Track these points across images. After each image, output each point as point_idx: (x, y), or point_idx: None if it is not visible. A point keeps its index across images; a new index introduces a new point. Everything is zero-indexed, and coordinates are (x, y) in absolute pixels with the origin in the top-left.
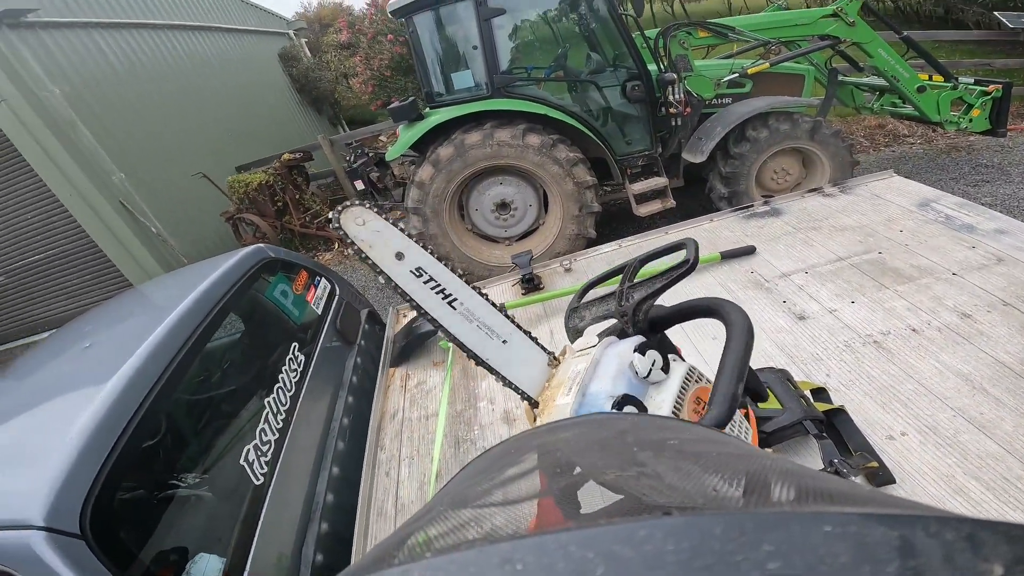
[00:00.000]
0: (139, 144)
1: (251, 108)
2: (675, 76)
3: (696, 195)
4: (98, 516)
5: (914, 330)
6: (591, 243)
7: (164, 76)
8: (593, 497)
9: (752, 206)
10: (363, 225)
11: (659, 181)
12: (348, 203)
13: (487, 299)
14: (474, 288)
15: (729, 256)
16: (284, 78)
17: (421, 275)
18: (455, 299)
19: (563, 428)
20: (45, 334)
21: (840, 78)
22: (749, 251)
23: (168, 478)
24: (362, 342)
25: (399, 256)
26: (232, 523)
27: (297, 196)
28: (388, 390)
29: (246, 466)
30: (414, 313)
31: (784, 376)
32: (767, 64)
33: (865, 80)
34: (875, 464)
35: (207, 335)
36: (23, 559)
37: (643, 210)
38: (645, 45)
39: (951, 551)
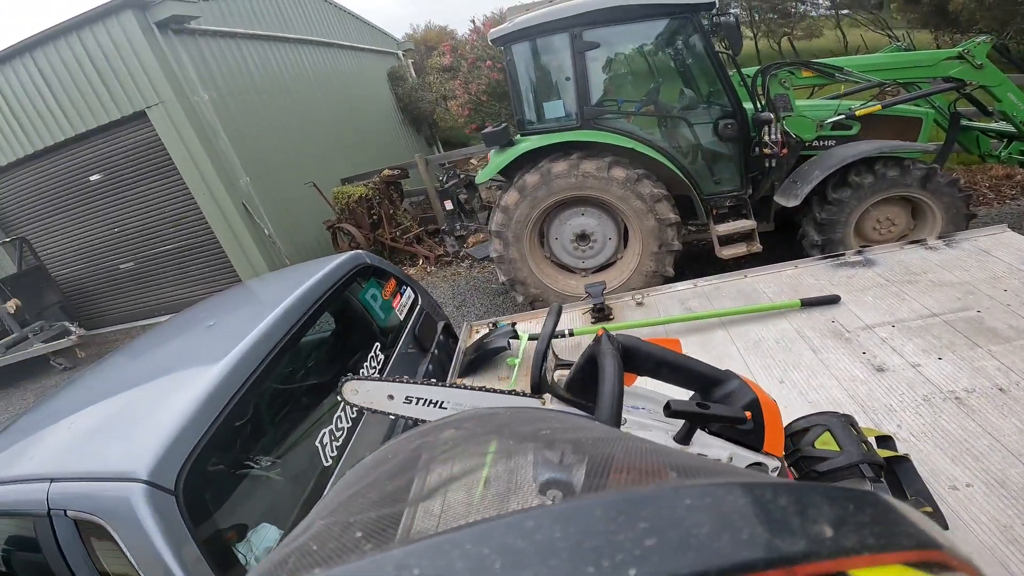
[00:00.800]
0: (264, 151)
1: (360, 122)
2: (772, 116)
3: (787, 242)
4: (191, 478)
5: (1001, 390)
6: (667, 281)
7: (292, 87)
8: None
9: (844, 255)
10: (357, 392)
11: (746, 224)
12: (344, 378)
13: (469, 387)
14: (457, 384)
15: (810, 304)
16: (390, 96)
17: (411, 401)
18: (444, 402)
19: (445, 427)
20: (164, 317)
21: (964, 123)
22: (832, 300)
23: (252, 452)
24: (435, 351)
25: (390, 396)
26: (297, 499)
27: (391, 211)
28: None
29: (319, 447)
30: (487, 329)
31: (847, 421)
32: (878, 106)
33: (993, 126)
34: (929, 509)
35: (305, 327)
36: (118, 509)
37: (726, 252)
38: (742, 83)
39: (787, 515)
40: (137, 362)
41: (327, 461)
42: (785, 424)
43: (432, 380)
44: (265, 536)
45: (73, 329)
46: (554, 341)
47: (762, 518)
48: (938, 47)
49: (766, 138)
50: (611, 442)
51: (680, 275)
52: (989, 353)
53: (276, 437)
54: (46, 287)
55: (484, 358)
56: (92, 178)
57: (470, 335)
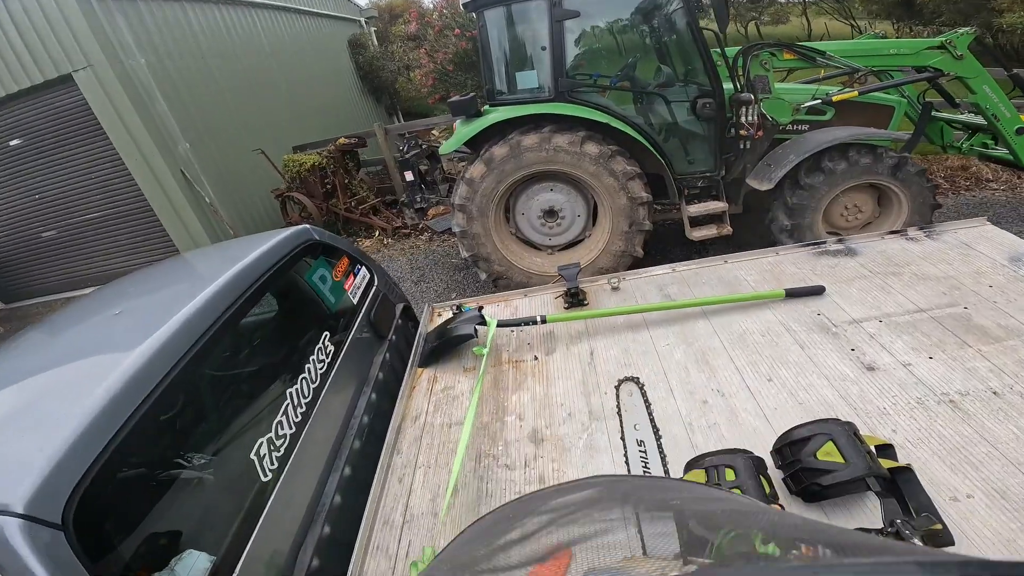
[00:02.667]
0: (207, 116)
1: (315, 90)
2: (751, 97)
3: (754, 225)
4: (85, 507)
5: (995, 393)
6: (637, 262)
7: (240, 53)
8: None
9: (825, 243)
10: None
11: (718, 205)
12: None
13: None
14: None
15: (795, 294)
16: (350, 64)
17: None
18: None
19: (569, 491)
20: (88, 289)
21: (932, 113)
22: (817, 291)
23: (171, 469)
24: (394, 337)
25: None
26: (231, 520)
27: (346, 180)
28: (413, 391)
29: (256, 460)
30: (450, 313)
31: (850, 429)
32: (855, 92)
33: (960, 117)
34: (939, 527)
35: (237, 317)
36: None
37: (696, 234)
38: (723, 62)
39: None
40: (22, 360)
41: (266, 475)
42: (784, 430)
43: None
44: (193, 565)
45: None
46: (526, 329)
47: None
48: (898, 38)
49: (743, 119)
50: (753, 515)
51: (648, 255)
52: (980, 353)
53: (207, 443)
54: None
55: (448, 346)
56: (12, 143)
57: (431, 319)
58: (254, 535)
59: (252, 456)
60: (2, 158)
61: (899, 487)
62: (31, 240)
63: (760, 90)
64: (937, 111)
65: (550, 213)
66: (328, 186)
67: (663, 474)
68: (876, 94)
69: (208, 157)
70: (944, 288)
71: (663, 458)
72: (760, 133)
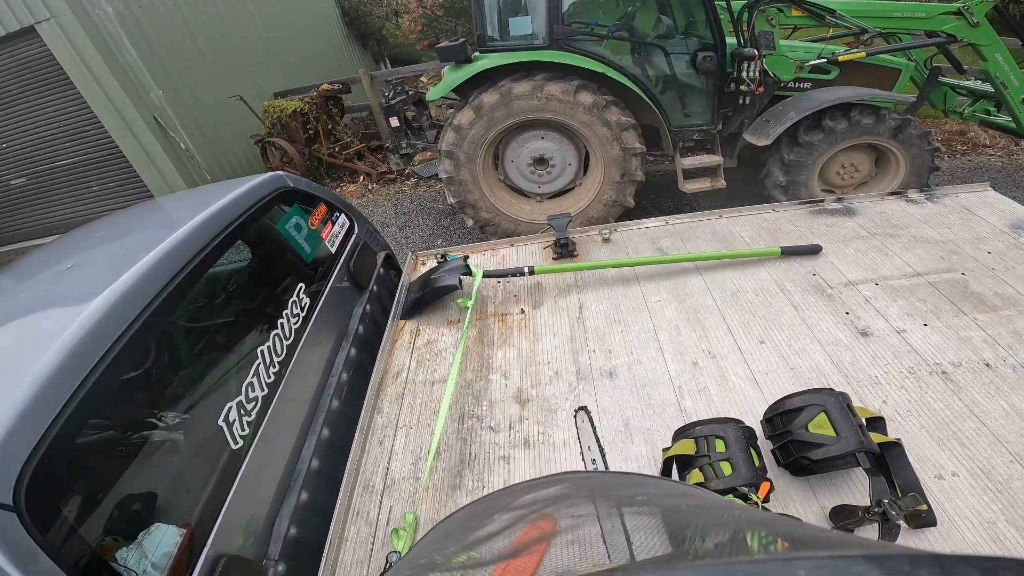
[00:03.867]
0: (182, 63)
1: (297, 36)
2: (755, 52)
3: (747, 180)
4: (39, 484)
5: (988, 365)
6: (627, 213)
7: None
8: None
9: (823, 201)
10: None
11: (713, 159)
12: None
13: None
14: None
15: (791, 253)
16: (334, 9)
17: None
18: None
19: (539, 487)
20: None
21: (940, 78)
22: (814, 251)
23: (132, 438)
24: (375, 288)
25: None
26: (200, 491)
27: (330, 126)
28: (395, 346)
29: (225, 427)
30: (434, 262)
31: (843, 401)
32: (862, 53)
33: (966, 83)
34: (924, 507)
35: (202, 269)
36: None
37: (690, 187)
38: (728, 16)
39: None
40: None
41: (236, 442)
42: (775, 397)
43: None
44: (162, 538)
45: None
46: (513, 280)
47: None
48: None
49: (744, 75)
50: (715, 510)
51: (639, 206)
52: (975, 322)
53: (164, 417)
54: None
55: (431, 297)
56: None
57: (415, 268)
58: (226, 506)
59: (220, 423)
60: None
61: (887, 463)
62: (1, 188)
63: (764, 46)
64: (943, 76)
65: (540, 161)
66: (311, 132)
67: None
68: (884, 56)
69: (183, 104)
70: (942, 252)
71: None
72: (761, 89)
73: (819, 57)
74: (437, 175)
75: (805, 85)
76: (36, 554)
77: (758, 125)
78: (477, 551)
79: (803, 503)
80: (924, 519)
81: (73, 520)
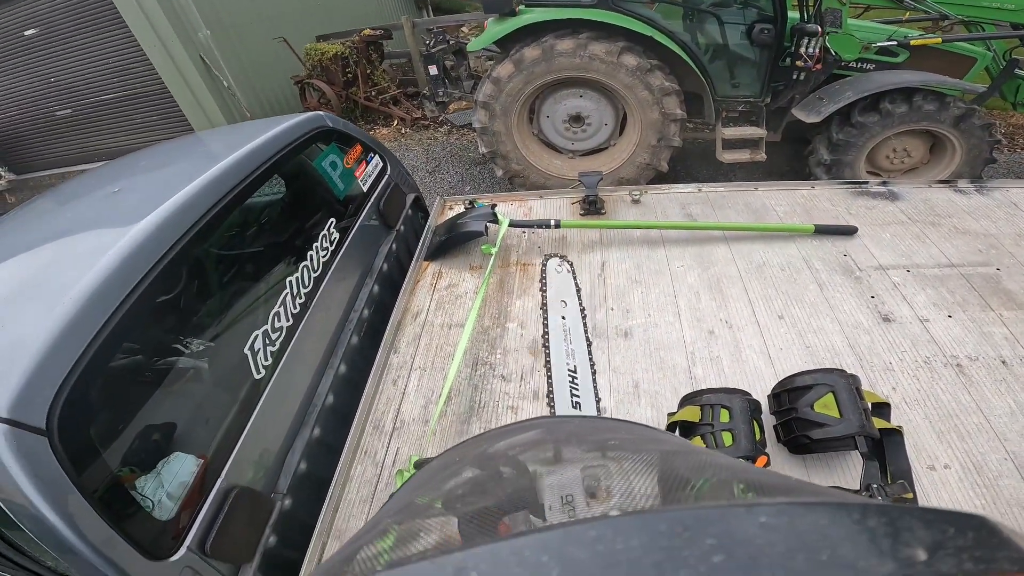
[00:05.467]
0: (230, 4)
1: None
2: (818, 29)
3: (788, 155)
4: (69, 409)
5: (1004, 362)
6: (659, 177)
7: None
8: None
9: (867, 183)
10: None
11: (756, 131)
12: None
13: None
14: None
15: (824, 231)
16: None
17: None
18: None
19: (510, 432)
20: (99, 164)
21: (1016, 71)
22: (849, 231)
23: (161, 365)
24: (402, 227)
25: None
26: (220, 421)
27: (368, 71)
28: (416, 286)
29: (250, 355)
30: (462, 207)
31: (853, 384)
32: (938, 39)
33: None
34: (910, 495)
35: (239, 201)
36: None
37: (728, 156)
38: None
39: (875, 537)
40: (5, 241)
41: (258, 372)
42: (786, 374)
43: None
44: (180, 468)
45: (2, 173)
46: (539, 232)
47: (846, 540)
48: None
49: (802, 50)
50: (683, 455)
51: (671, 171)
52: (1000, 319)
53: (194, 344)
54: None
55: (456, 241)
56: (27, 33)
57: (442, 211)
58: (243, 437)
59: (246, 351)
60: (17, 47)
61: (884, 449)
62: (46, 117)
63: (829, 23)
64: (1020, 69)
65: (576, 119)
66: (349, 75)
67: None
68: (960, 44)
69: (229, 44)
70: (981, 246)
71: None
72: (818, 67)
73: (889, 39)
74: (470, 124)
75: (868, 66)
76: (63, 482)
77: (810, 102)
78: (451, 498)
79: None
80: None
81: (100, 448)
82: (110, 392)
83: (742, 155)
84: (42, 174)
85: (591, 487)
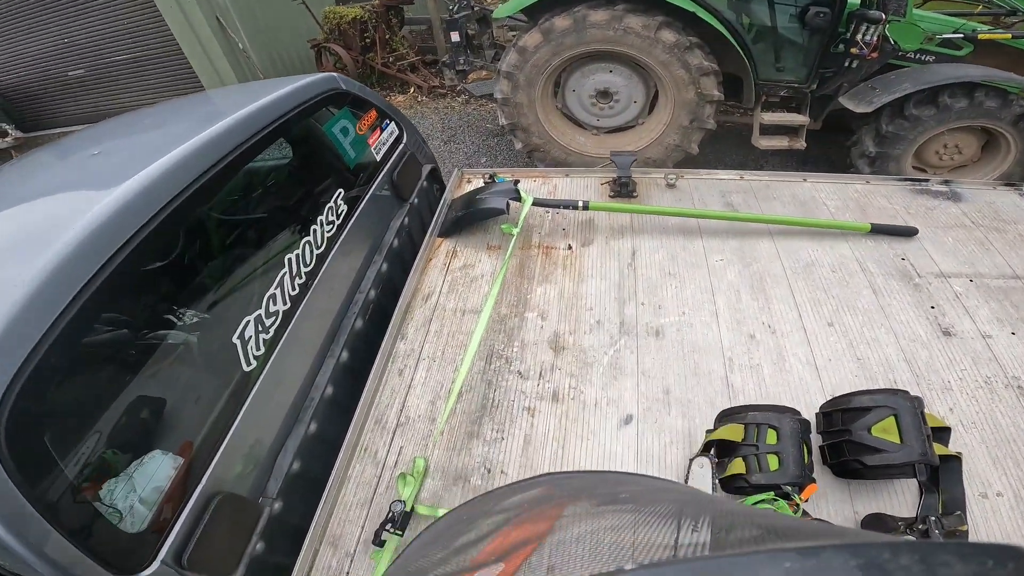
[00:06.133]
0: None
1: None
2: (881, 16)
3: (827, 144)
4: (22, 411)
5: None
6: (689, 160)
7: None
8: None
9: (928, 180)
10: None
11: (797, 118)
12: None
13: None
14: None
15: (881, 231)
16: None
17: None
18: None
19: (521, 489)
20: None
21: None
22: (909, 233)
23: (132, 358)
24: (415, 200)
25: None
26: (202, 419)
27: (387, 36)
28: (428, 264)
29: (239, 345)
30: (482, 181)
31: (918, 407)
32: (1008, 35)
33: None
34: (965, 528)
35: (238, 165)
36: None
37: (765, 143)
38: None
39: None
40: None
41: (248, 363)
42: (835, 387)
43: None
44: (155, 472)
45: (9, 131)
46: (564, 213)
47: None
48: None
49: (859, 37)
50: (699, 505)
51: (700, 154)
52: None
53: (172, 332)
54: None
55: (474, 218)
56: None
57: (459, 184)
58: (228, 436)
59: (235, 340)
60: (34, 6)
61: (939, 475)
62: (58, 77)
63: (892, 11)
64: None
65: (604, 94)
66: (367, 40)
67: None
68: None
69: (246, 6)
70: None
71: None
72: (875, 55)
73: (955, 32)
74: (490, 95)
75: (928, 58)
76: (11, 496)
77: (861, 91)
78: (462, 557)
79: (836, 505)
80: (957, 539)
81: (57, 453)
82: (71, 389)
83: (780, 142)
84: (50, 132)
85: (602, 542)
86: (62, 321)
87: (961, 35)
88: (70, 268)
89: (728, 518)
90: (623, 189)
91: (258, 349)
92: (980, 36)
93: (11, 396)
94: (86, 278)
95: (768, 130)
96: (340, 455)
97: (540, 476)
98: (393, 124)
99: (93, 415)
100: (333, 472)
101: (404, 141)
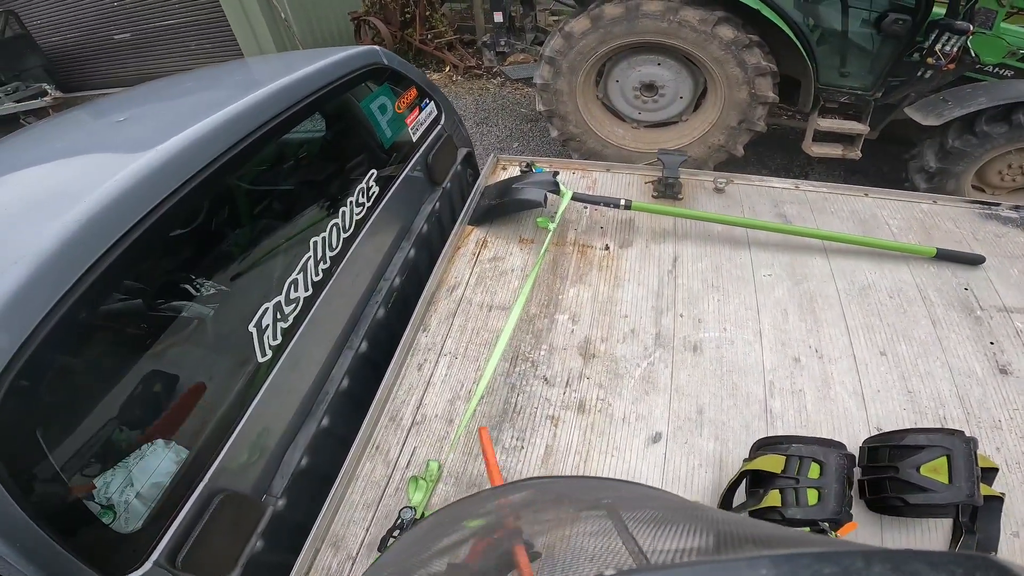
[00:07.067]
0: None
1: None
2: (968, 27)
3: (880, 156)
4: (14, 398)
5: None
6: (732, 162)
7: None
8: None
9: (999, 205)
10: None
11: (856, 126)
12: None
13: None
14: None
15: (947, 257)
16: None
17: None
18: None
19: (508, 492)
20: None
21: None
22: (975, 261)
23: (136, 344)
24: (448, 185)
25: None
26: (210, 412)
27: (428, 13)
28: (456, 253)
29: (255, 334)
30: (519, 170)
31: (972, 448)
32: None
33: None
34: None
35: (267, 140)
36: None
37: (818, 150)
38: None
39: None
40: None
41: (264, 354)
42: (884, 424)
43: None
44: (155, 468)
45: (49, 90)
46: (604, 211)
47: None
48: None
49: (938, 47)
50: (680, 512)
51: (744, 157)
52: None
53: (184, 318)
54: (29, 53)
55: (509, 208)
56: None
57: (494, 171)
58: (236, 431)
59: (251, 328)
60: None
61: (977, 516)
62: (104, 40)
63: (979, 23)
64: None
65: (649, 87)
66: (408, 15)
67: None
68: None
69: None
70: None
71: None
72: (952, 66)
73: None
74: (527, 79)
75: (1008, 73)
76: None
77: (931, 102)
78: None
79: (865, 539)
80: None
81: (48, 445)
82: (68, 376)
83: (834, 150)
84: (89, 93)
85: (580, 547)
86: (71, 297)
87: None
88: (73, 251)
89: (709, 526)
90: (668, 190)
91: (275, 339)
92: None
93: (5, 380)
94: (90, 261)
95: (822, 137)
96: (351, 451)
97: (525, 480)
98: (432, 104)
99: (92, 401)
100: (342, 470)
101: (442, 122)
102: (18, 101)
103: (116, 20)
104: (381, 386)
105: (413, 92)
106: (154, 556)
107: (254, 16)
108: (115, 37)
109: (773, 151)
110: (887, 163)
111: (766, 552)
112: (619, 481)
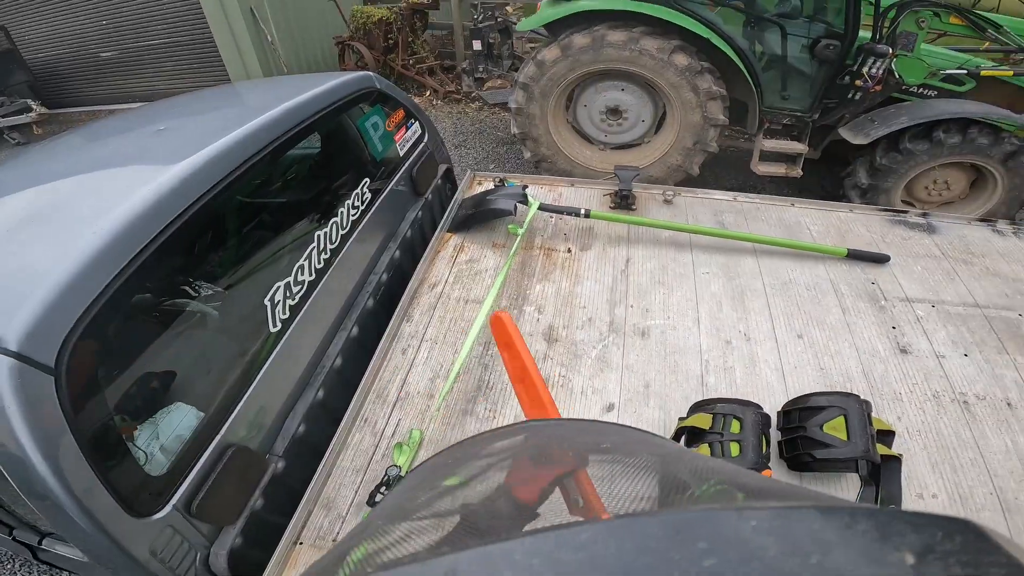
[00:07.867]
0: None
1: None
2: (888, 51)
3: (821, 174)
4: (82, 351)
5: (1009, 404)
6: (689, 181)
7: None
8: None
9: (907, 212)
10: None
11: (797, 147)
12: None
13: None
14: None
15: (856, 257)
16: None
17: None
18: None
19: (501, 436)
20: (135, 105)
21: None
22: (880, 259)
23: (176, 311)
24: (430, 196)
25: None
26: (228, 373)
27: (410, 39)
28: (437, 256)
29: (268, 307)
30: (492, 184)
31: (866, 410)
32: (1010, 72)
33: None
34: None
35: (284, 149)
36: None
37: (763, 168)
38: (872, 8)
39: (866, 541)
40: (49, 165)
41: (275, 325)
42: (796, 391)
43: None
44: (180, 422)
45: (34, 106)
46: (566, 219)
47: (836, 543)
48: None
49: (864, 70)
50: (676, 459)
51: (700, 176)
52: (1013, 363)
53: (213, 289)
54: (15, 68)
55: (483, 217)
56: None
57: (471, 185)
58: (249, 392)
59: (266, 301)
60: None
61: (880, 474)
62: (90, 58)
63: (901, 46)
64: None
65: (614, 111)
66: (390, 41)
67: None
68: None
69: (279, 1)
70: (1008, 290)
71: None
72: (878, 88)
73: (959, 68)
74: (503, 103)
75: (931, 93)
76: (60, 428)
77: (860, 123)
78: (442, 501)
79: None
80: None
81: (106, 395)
82: (123, 335)
83: (778, 168)
84: (73, 110)
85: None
86: (129, 270)
87: (964, 71)
88: (144, 222)
89: (704, 474)
90: (623, 201)
91: (284, 313)
92: (982, 72)
93: (76, 333)
94: (155, 232)
95: (768, 156)
96: (342, 423)
97: (518, 424)
98: (417, 124)
99: (137, 364)
100: (334, 439)
101: (425, 140)
102: (2, 116)
103: (103, 38)
104: (369, 367)
105: (401, 113)
106: (173, 500)
107: (241, 38)
108: (102, 55)
109: (727, 171)
110: (830, 181)
111: (757, 504)
112: (611, 424)
